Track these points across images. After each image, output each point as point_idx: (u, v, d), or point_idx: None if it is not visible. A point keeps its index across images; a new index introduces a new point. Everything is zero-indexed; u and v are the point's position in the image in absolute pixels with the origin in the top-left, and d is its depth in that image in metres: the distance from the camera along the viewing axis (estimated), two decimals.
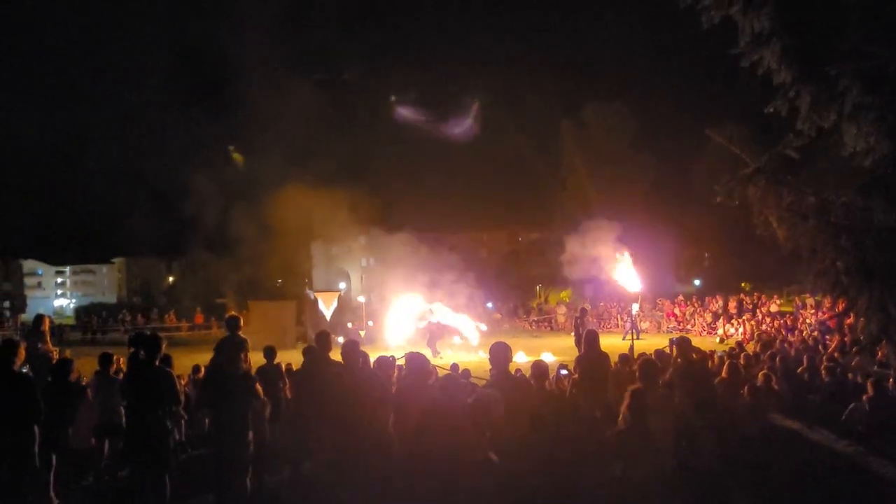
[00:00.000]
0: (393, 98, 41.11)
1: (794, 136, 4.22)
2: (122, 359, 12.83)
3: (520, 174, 40.70)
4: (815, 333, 18.95)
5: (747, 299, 31.24)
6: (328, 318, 27.86)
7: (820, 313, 24.32)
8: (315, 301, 29.51)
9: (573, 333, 20.72)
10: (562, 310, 36.17)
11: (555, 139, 40.56)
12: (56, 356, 9.71)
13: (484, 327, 25.85)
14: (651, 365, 6.83)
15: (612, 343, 20.38)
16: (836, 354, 12.01)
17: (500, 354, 5.93)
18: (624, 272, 20.26)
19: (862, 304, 4.03)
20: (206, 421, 7.73)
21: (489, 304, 32.21)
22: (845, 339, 13.72)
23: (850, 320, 15.73)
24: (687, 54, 64.60)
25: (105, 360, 8.29)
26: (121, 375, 10.09)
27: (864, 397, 8.14)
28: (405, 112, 40.95)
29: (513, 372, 9.53)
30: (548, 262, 43.90)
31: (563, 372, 9.23)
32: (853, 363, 10.82)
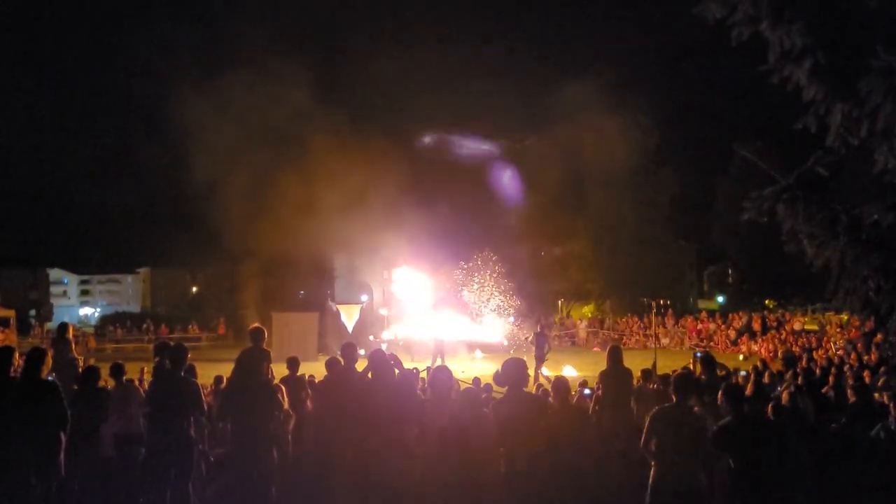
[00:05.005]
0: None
1: (824, 152, 4.17)
2: (146, 367, 12.98)
3: (542, 188, 40.43)
4: (841, 352, 18.68)
5: (771, 317, 30.82)
6: (350, 329, 27.94)
7: (846, 332, 23.99)
8: (337, 313, 29.58)
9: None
10: (583, 325, 36.45)
11: (576, 152, 40.25)
12: (82, 364, 9.78)
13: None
14: (684, 381, 6.48)
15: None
16: (863, 374, 11.83)
17: (512, 371, 5.81)
18: None
19: (892, 324, 3.97)
20: (229, 432, 7.74)
21: (511, 318, 32.13)
22: (872, 357, 13.54)
23: (878, 339, 15.54)
24: (714, 69, 64.59)
25: (116, 369, 8.29)
26: (144, 384, 10.17)
27: (890, 418, 8.01)
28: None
29: (534, 387, 9.52)
30: (570, 277, 43.76)
31: (587, 392, 9.25)
32: (880, 383, 10.67)
